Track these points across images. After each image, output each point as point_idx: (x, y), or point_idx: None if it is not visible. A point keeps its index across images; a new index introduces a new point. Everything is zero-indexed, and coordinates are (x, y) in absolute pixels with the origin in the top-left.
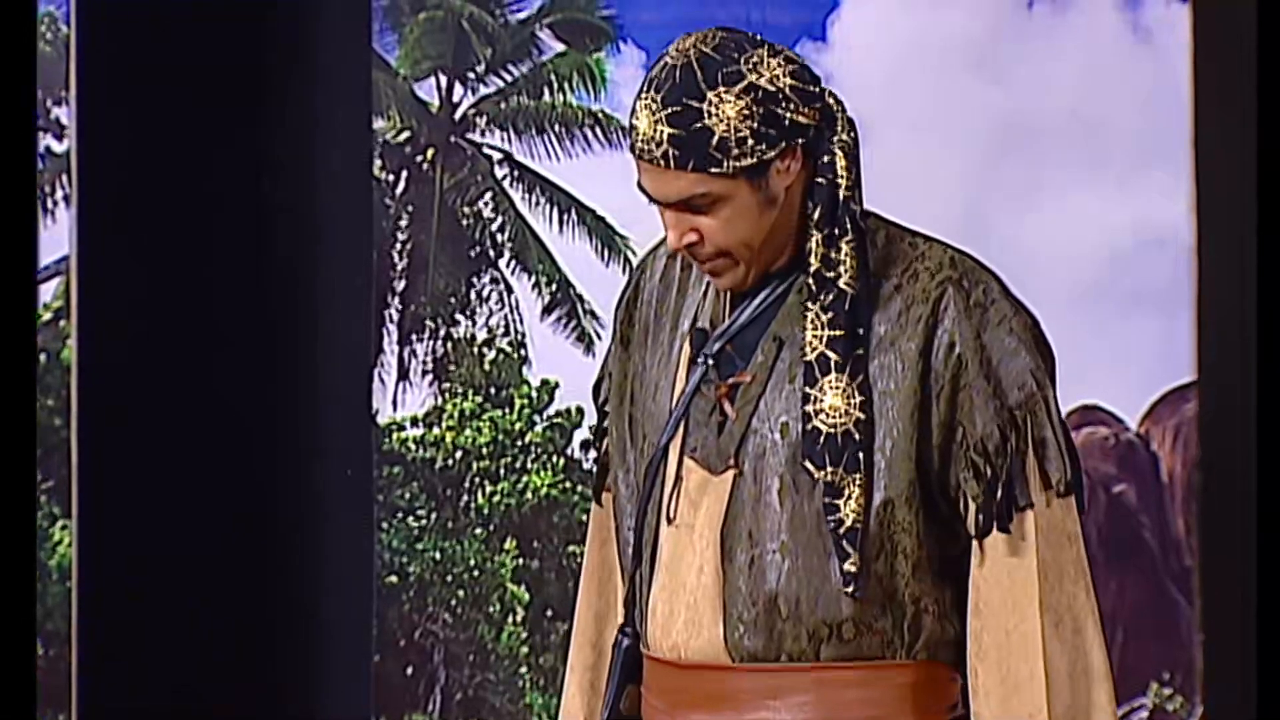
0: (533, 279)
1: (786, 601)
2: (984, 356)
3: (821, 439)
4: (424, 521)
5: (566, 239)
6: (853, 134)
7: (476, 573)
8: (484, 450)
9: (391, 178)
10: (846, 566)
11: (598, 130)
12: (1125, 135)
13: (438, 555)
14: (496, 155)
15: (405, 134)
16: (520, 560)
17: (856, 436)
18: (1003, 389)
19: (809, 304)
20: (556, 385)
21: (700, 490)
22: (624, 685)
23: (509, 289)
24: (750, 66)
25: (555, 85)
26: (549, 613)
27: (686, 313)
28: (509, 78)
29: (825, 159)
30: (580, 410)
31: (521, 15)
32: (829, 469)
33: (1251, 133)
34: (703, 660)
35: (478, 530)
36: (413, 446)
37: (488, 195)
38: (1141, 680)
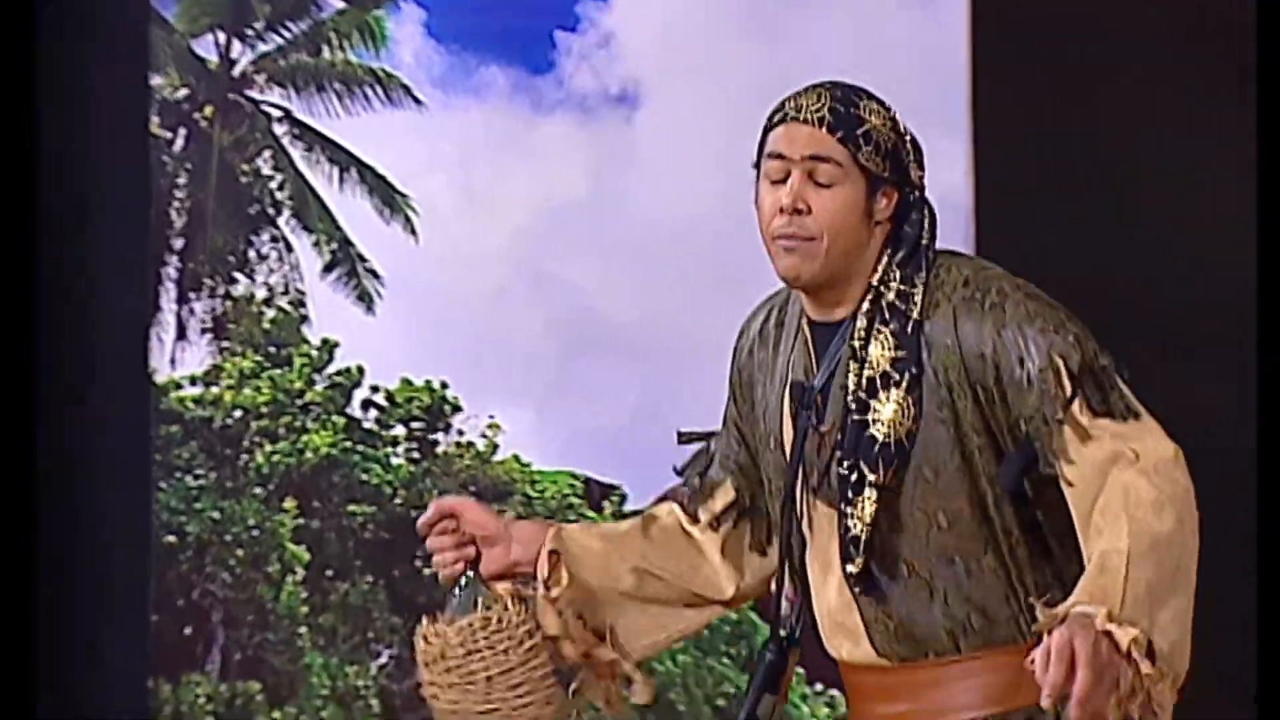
0: (313, 237)
1: (918, 610)
2: (1008, 350)
3: (877, 446)
4: (203, 481)
5: (346, 197)
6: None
7: (256, 532)
8: (263, 409)
9: (169, 135)
10: (850, 569)
11: (378, 88)
12: (902, 99)
13: (216, 515)
14: (276, 113)
15: (183, 91)
16: (300, 520)
17: (907, 446)
18: (1031, 373)
19: (879, 327)
20: (336, 344)
21: (827, 522)
22: (763, 693)
23: (288, 247)
24: (888, 108)
25: (335, 43)
26: (329, 572)
27: (781, 366)
28: (288, 35)
29: (914, 215)
30: (361, 369)
31: None
32: (881, 471)
33: (1029, 97)
34: (866, 662)
35: (257, 489)
36: (191, 405)
37: (267, 153)
38: None
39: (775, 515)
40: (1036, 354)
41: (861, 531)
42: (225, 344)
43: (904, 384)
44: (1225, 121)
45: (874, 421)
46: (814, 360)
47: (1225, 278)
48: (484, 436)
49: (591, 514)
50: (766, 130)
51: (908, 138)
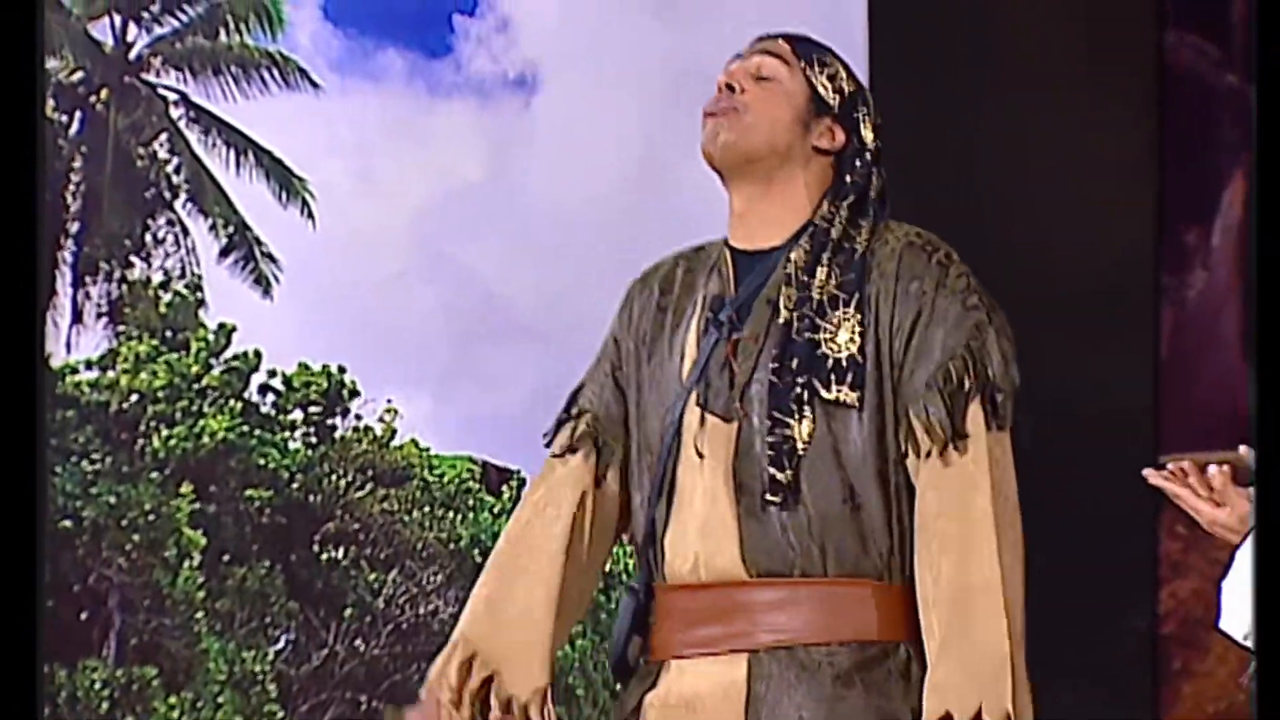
0: (209, 221)
1: (795, 524)
2: (937, 307)
3: (830, 362)
4: (99, 465)
5: (244, 181)
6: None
7: (152, 517)
8: (159, 394)
9: (64, 118)
10: (781, 478)
11: (274, 72)
12: None
13: (113, 499)
14: (172, 96)
15: (78, 74)
16: (197, 504)
17: (859, 361)
18: (954, 334)
19: (822, 256)
20: (233, 328)
21: (716, 434)
22: (632, 636)
23: (185, 231)
24: (850, 70)
25: (232, 26)
26: (225, 557)
27: (681, 339)
28: (184, 18)
29: (862, 169)
30: (258, 353)
31: None
32: (837, 387)
33: (927, 79)
34: (721, 578)
35: (153, 474)
36: (87, 390)
37: (163, 136)
38: None
39: (639, 471)
40: (957, 332)
41: (799, 443)
42: (121, 328)
43: (852, 305)
44: (1125, 102)
45: (826, 340)
46: (733, 285)
47: (1124, 257)
48: (382, 421)
49: (489, 497)
50: None
51: (867, 96)
